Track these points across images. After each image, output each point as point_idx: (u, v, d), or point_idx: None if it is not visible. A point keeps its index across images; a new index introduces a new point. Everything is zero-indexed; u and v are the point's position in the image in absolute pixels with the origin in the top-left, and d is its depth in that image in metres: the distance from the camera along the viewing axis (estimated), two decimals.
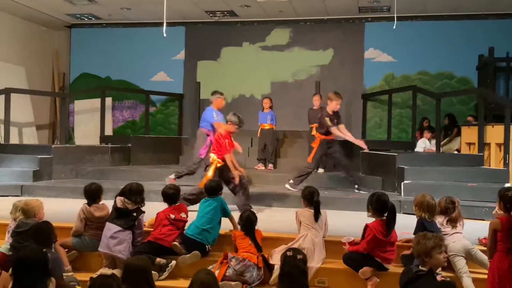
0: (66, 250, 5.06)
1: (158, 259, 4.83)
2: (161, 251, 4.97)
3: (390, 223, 4.55)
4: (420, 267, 3.67)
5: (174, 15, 11.73)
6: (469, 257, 4.61)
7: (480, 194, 6.95)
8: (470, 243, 4.71)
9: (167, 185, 5.50)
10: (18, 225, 4.76)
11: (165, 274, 4.81)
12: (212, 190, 5.43)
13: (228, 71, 12.65)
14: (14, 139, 11.00)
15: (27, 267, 3.18)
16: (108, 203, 5.33)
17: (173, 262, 4.87)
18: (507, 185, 7.02)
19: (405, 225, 5.12)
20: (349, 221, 6.19)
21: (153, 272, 4.34)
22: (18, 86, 11.56)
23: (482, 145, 8.44)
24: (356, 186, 7.92)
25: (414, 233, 4.65)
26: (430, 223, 4.68)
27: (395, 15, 8.94)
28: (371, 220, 4.69)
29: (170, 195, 5.36)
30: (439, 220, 4.87)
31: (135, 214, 5.08)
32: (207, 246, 5.02)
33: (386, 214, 4.60)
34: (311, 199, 5.05)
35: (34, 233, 4.34)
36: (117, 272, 4.21)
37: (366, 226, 4.64)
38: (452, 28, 11.57)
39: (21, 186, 8.07)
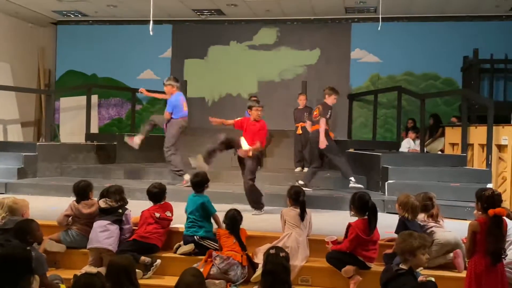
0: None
1: (142, 258, 4.84)
2: (146, 249, 4.99)
3: (371, 222, 4.60)
4: (400, 265, 3.71)
5: (161, 13, 11.71)
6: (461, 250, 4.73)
7: (462, 194, 7.03)
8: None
9: (152, 184, 5.52)
10: (5, 223, 4.75)
11: (150, 273, 4.83)
12: (198, 184, 5.45)
13: (215, 69, 12.66)
14: None
15: (10, 264, 3.16)
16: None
17: (158, 261, 4.89)
18: (489, 185, 7.12)
19: (389, 224, 5.19)
20: (332, 220, 6.24)
21: (137, 270, 4.37)
22: (3, 83, 11.48)
23: (466, 145, 8.54)
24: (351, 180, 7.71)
25: (396, 232, 4.71)
26: (412, 222, 4.75)
27: (380, 16, 9.00)
28: (354, 219, 4.74)
29: (155, 194, 5.37)
30: (419, 217, 4.95)
31: (120, 211, 5.14)
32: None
33: (367, 213, 4.66)
34: (297, 199, 5.09)
35: (15, 230, 4.33)
36: (102, 270, 4.21)
37: (349, 225, 4.69)
38: (437, 29, 11.69)
39: (5, 184, 8.01)
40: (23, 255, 3.22)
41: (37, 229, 4.36)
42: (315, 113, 8.04)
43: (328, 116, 7.80)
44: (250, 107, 6.85)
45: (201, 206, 5.22)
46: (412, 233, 3.86)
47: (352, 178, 7.58)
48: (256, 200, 6.72)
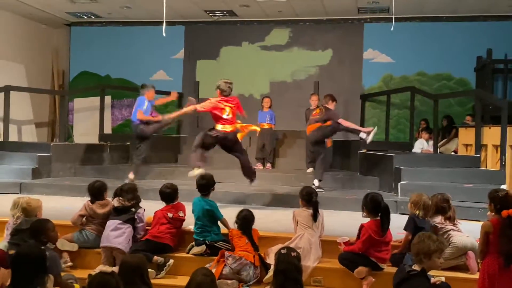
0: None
1: (155, 257, 4.87)
2: (159, 249, 5.02)
3: (384, 222, 4.59)
4: (413, 266, 3.69)
5: (174, 14, 11.77)
6: (476, 254, 4.68)
7: (476, 195, 6.98)
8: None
9: (164, 184, 5.55)
10: (20, 223, 4.81)
11: (163, 273, 4.85)
12: (203, 187, 5.48)
13: (227, 70, 12.64)
14: (13, 137, 11.02)
15: (25, 264, 3.21)
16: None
17: (171, 260, 4.91)
18: (502, 186, 7.07)
19: (401, 225, 5.15)
20: (345, 221, 6.23)
21: (150, 270, 4.40)
22: (18, 84, 11.59)
23: (479, 146, 8.48)
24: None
25: (405, 229, 4.73)
26: (422, 220, 4.74)
27: (393, 16, 8.97)
28: (366, 220, 4.73)
29: (168, 194, 5.40)
30: (436, 219, 4.93)
31: (133, 209, 5.17)
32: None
33: (380, 214, 4.65)
34: (310, 200, 5.08)
35: (31, 230, 4.39)
36: (115, 269, 4.25)
37: (361, 226, 4.69)
38: (450, 29, 11.62)
39: (20, 184, 8.09)
40: (38, 254, 3.27)
41: (52, 229, 4.41)
42: (315, 113, 8.06)
43: (340, 116, 7.89)
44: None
45: (207, 213, 5.22)
46: (431, 235, 3.81)
47: (316, 182, 7.69)
48: (253, 172, 7.39)
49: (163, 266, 4.87)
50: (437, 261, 3.67)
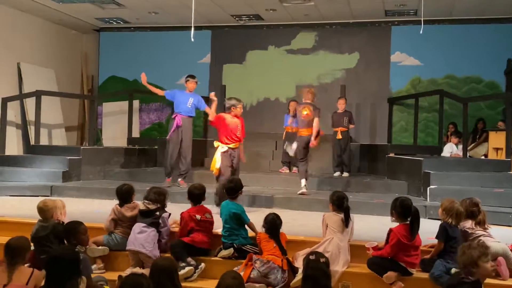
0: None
1: (189, 259, 4.92)
2: (195, 252, 5.07)
3: (414, 227, 4.54)
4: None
5: (201, 19, 11.87)
6: (506, 260, 4.62)
7: (506, 200, 6.88)
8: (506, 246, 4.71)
9: (193, 185, 5.60)
10: (36, 230, 4.75)
11: (195, 275, 4.89)
12: (231, 190, 5.51)
13: (253, 74, 12.72)
14: (44, 140, 11.25)
15: (60, 266, 3.26)
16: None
17: (203, 264, 4.96)
18: None
19: (430, 230, 5.09)
20: (372, 226, 6.18)
21: (187, 270, 4.50)
22: (48, 88, 11.81)
23: (510, 150, 8.32)
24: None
25: (437, 237, 4.64)
26: (454, 228, 4.66)
27: (422, 19, 8.89)
28: (395, 224, 4.69)
29: (196, 195, 5.45)
30: (467, 224, 4.85)
31: (157, 213, 5.20)
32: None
33: (409, 219, 4.60)
34: (341, 204, 5.04)
35: (63, 232, 4.46)
36: (145, 272, 4.30)
37: (390, 231, 4.64)
38: (479, 32, 11.45)
39: (50, 187, 8.24)
40: (72, 256, 3.32)
41: (83, 232, 4.48)
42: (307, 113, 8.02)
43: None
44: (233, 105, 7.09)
45: (235, 216, 5.22)
46: (471, 243, 3.75)
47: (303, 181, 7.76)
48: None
49: (195, 269, 4.90)
50: (487, 266, 3.61)
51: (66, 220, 4.92)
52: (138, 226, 5.11)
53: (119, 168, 9.68)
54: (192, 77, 8.60)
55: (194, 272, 4.88)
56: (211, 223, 5.35)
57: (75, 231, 4.47)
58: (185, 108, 8.38)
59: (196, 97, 8.49)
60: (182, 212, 5.35)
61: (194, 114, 8.51)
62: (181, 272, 4.69)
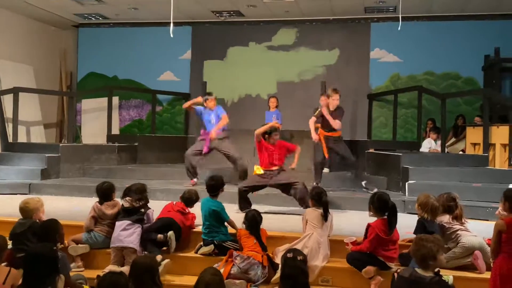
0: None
1: (159, 236, 5.02)
2: (166, 225, 5.16)
3: (391, 221, 4.59)
4: (420, 271, 3.52)
5: (181, 15, 11.81)
6: (483, 253, 4.69)
7: (484, 195, 6.98)
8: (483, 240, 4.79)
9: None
10: (14, 227, 4.74)
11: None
12: (212, 187, 5.51)
13: (234, 70, 12.70)
14: (22, 138, 11.10)
15: (37, 264, 3.24)
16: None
17: (171, 232, 5.06)
18: (511, 185, 7.04)
19: (409, 225, 5.16)
20: (353, 221, 6.23)
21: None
22: (26, 85, 11.67)
23: (487, 145, 8.45)
24: (363, 183, 7.91)
25: (415, 233, 4.69)
26: (431, 223, 4.72)
27: (400, 15, 8.95)
28: (373, 219, 4.74)
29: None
30: (444, 219, 4.91)
31: (142, 210, 5.21)
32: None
33: (387, 213, 4.65)
34: (319, 199, 5.09)
35: (40, 230, 4.42)
36: (125, 269, 4.28)
37: (368, 226, 4.69)
38: (458, 28, 11.58)
39: (29, 185, 8.16)
40: (51, 254, 3.30)
41: (61, 229, 4.45)
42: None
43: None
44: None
45: (214, 213, 5.24)
46: (427, 237, 3.69)
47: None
48: None
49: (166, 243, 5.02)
50: (442, 259, 3.62)
51: (44, 218, 4.88)
52: (121, 224, 5.08)
53: (99, 165, 9.60)
54: (210, 94, 8.49)
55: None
56: (190, 214, 5.50)
57: (56, 228, 4.43)
58: (212, 127, 8.24)
59: (215, 112, 8.37)
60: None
61: (226, 128, 8.38)
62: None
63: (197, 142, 8.32)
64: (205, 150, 8.11)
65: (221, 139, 8.18)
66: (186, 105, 8.69)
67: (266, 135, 6.78)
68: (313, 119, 8.03)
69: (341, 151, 7.87)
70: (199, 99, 8.42)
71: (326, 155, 7.83)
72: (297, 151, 6.97)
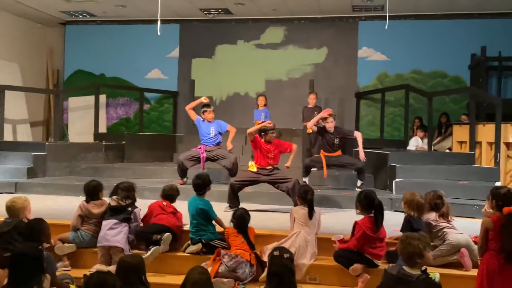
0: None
1: (154, 236, 5.01)
2: (160, 230, 5.12)
3: (378, 219, 4.61)
4: (407, 269, 3.53)
5: (169, 12, 11.77)
6: (470, 251, 4.72)
7: (471, 192, 7.02)
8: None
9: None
10: (0, 226, 4.66)
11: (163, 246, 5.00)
12: (199, 186, 5.48)
13: (222, 69, 12.69)
14: (8, 136, 11.00)
15: (23, 263, 3.21)
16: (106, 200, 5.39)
17: (168, 234, 5.05)
18: (497, 183, 7.10)
19: (396, 222, 5.18)
20: (340, 219, 6.25)
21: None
22: (12, 83, 11.56)
23: (474, 143, 8.52)
24: (359, 183, 7.82)
25: (401, 230, 4.70)
26: (417, 221, 4.73)
27: (387, 14, 8.98)
28: (360, 217, 4.75)
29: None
30: (431, 217, 4.93)
31: (129, 209, 5.17)
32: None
33: (374, 211, 4.67)
34: (305, 198, 5.10)
35: (26, 230, 4.37)
36: (112, 268, 4.25)
37: (355, 223, 4.71)
38: (445, 27, 11.66)
39: (15, 184, 8.07)
40: (36, 254, 3.27)
41: (48, 228, 4.41)
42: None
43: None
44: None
45: (202, 212, 5.22)
46: (413, 235, 3.68)
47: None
48: None
49: (160, 241, 4.98)
50: (429, 255, 3.62)
51: (31, 217, 4.84)
52: (108, 223, 5.05)
53: (86, 164, 9.54)
54: (208, 106, 8.38)
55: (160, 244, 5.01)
56: (178, 212, 5.48)
57: (42, 228, 4.40)
58: (209, 141, 8.12)
59: (216, 124, 8.31)
60: (151, 204, 5.45)
61: (220, 140, 8.22)
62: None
63: (193, 151, 8.19)
64: (202, 167, 8.04)
65: (214, 150, 8.13)
66: (190, 106, 8.38)
67: (262, 133, 6.77)
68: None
69: (346, 162, 7.85)
70: (204, 99, 8.24)
71: (325, 175, 7.80)
72: (294, 150, 6.93)
